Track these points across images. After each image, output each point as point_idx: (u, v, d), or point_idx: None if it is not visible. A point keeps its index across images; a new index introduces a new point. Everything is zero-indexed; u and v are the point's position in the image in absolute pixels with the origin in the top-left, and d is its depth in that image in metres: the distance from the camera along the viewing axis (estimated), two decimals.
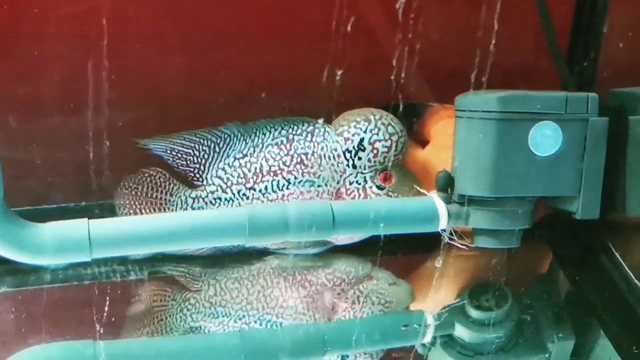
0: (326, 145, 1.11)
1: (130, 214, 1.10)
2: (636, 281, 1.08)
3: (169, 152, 1.10)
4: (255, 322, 1.02)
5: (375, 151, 1.11)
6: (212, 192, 1.11)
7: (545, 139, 1.02)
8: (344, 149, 1.11)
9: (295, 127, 1.12)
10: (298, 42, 1.21)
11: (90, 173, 1.10)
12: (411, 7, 1.02)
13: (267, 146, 1.12)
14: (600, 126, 1.03)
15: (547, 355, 0.98)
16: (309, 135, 1.12)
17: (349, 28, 1.05)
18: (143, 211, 1.10)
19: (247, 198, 1.11)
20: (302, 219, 0.98)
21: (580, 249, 1.18)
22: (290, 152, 1.11)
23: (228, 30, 1.20)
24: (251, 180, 1.11)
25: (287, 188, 1.11)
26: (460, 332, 1.01)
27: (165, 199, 1.10)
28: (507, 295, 1.07)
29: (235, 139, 1.12)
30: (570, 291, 1.15)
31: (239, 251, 1.11)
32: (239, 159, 1.11)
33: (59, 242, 0.93)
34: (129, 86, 1.14)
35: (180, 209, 1.11)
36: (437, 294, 1.11)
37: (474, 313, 1.03)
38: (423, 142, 1.20)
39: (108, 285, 1.07)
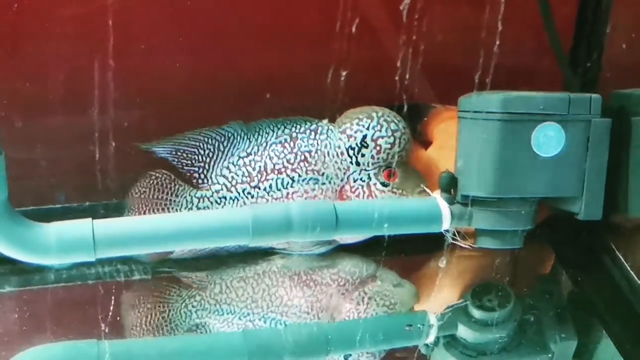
0: (329, 143, 1.12)
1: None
2: (638, 282, 1.08)
3: (173, 153, 1.11)
4: (260, 320, 1.02)
5: (378, 148, 1.11)
6: (217, 192, 1.12)
7: (547, 139, 1.02)
8: (347, 146, 1.11)
9: (299, 126, 1.13)
10: (301, 42, 1.21)
11: (94, 173, 1.10)
12: (414, 8, 1.02)
13: (271, 144, 1.12)
14: (602, 127, 1.03)
15: (549, 355, 0.98)
16: (313, 133, 1.12)
17: (351, 28, 1.05)
18: (149, 213, 1.10)
19: (252, 197, 1.11)
20: (305, 219, 0.99)
21: (583, 249, 1.18)
22: (294, 150, 1.12)
23: (231, 30, 1.20)
24: (256, 178, 1.11)
25: (292, 186, 1.11)
26: (463, 332, 1.01)
27: (171, 199, 1.11)
28: (510, 295, 1.07)
29: (238, 137, 1.12)
30: (572, 291, 1.15)
31: (244, 251, 1.11)
32: (243, 158, 1.12)
33: (63, 242, 0.93)
34: (131, 86, 1.14)
35: (186, 209, 1.11)
36: (440, 294, 1.11)
37: (477, 313, 1.03)
38: (426, 143, 1.20)
39: (112, 284, 1.07)
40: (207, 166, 1.12)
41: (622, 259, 1.12)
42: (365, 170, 1.12)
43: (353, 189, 1.12)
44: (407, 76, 1.04)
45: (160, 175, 1.11)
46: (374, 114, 1.11)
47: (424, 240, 1.07)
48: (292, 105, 1.15)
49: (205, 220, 0.99)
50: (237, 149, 1.12)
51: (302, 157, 1.11)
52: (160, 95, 1.19)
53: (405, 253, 1.14)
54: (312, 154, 1.11)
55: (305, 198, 1.11)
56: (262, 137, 1.12)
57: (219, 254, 1.12)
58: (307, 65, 1.17)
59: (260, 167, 1.11)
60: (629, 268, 1.10)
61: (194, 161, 1.11)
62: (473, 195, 1.04)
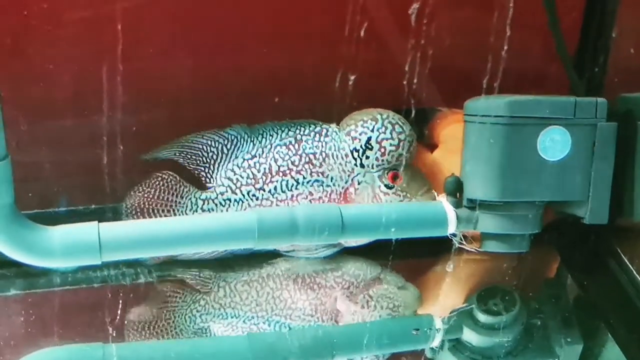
0: (334, 145, 1.12)
1: (140, 218, 1.10)
2: None
3: (177, 155, 1.11)
4: (264, 323, 1.02)
5: (382, 150, 1.11)
6: (222, 194, 1.12)
7: (553, 143, 1.02)
8: (351, 148, 1.11)
9: (303, 128, 1.13)
10: (307, 44, 1.21)
11: (100, 176, 1.10)
12: (423, 12, 1.02)
13: (275, 146, 1.12)
14: (608, 131, 1.03)
15: (555, 359, 0.98)
16: (317, 135, 1.12)
17: (354, 31, 1.05)
18: (153, 214, 1.10)
19: (257, 199, 1.11)
20: (311, 223, 0.99)
21: (589, 253, 1.18)
22: (299, 152, 1.12)
23: (236, 32, 1.20)
24: (260, 180, 1.11)
25: (296, 188, 1.11)
26: (469, 336, 1.01)
27: (176, 200, 1.11)
28: (515, 299, 1.07)
29: (242, 140, 1.12)
30: (578, 296, 1.15)
31: (249, 254, 1.11)
32: (247, 160, 1.12)
33: (69, 245, 0.93)
34: (138, 89, 1.14)
35: (190, 210, 1.11)
36: (446, 298, 1.11)
37: (482, 317, 1.03)
38: (432, 147, 1.20)
39: (117, 288, 1.07)
40: (211, 168, 1.12)
41: (628, 263, 1.11)
42: (370, 172, 1.12)
43: (357, 191, 1.12)
44: (413, 80, 1.04)
45: (166, 177, 1.11)
46: (379, 116, 1.11)
47: (428, 244, 1.07)
48: (298, 107, 1.15)
49: (211, 224, 0.99)
50: (242, 151, 1.12)
51: (307, 159, 1.11)
52: (167, 98, 1.19)
53: (410, 256, 1.14)
54: (317, 156, 1.11)
55: (310, 200, 1.11)
56: (266, 140, 1.12)
57: (223, 257, 1.11)
58: (314, 68, 1.17)
59: (265, 169, 1.11)
60: (634, 272, 1.10)
61: (198, 162, 1.11)
62: (479, 199, 1.04)
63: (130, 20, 1.05)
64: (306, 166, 1.11)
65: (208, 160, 1.12)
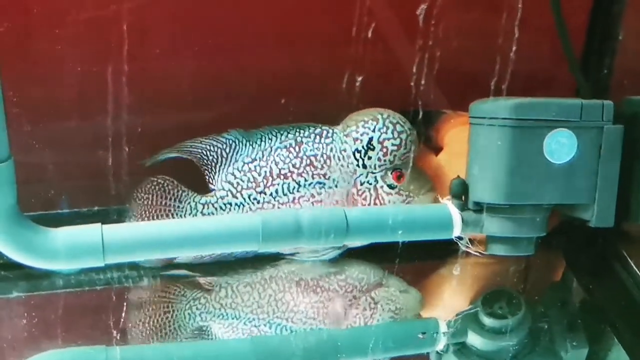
0: (335, 147, 1.11)
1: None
2: None
3: (178, 157, 1.11)
4: (265, 326, 1.02)
5: (384, 150, 1.11)
6: (222, 198, 1.11)
7: (560, 146, 1.01)
8: (353, 150, 1.11)
9: (304, 130, 1.12)
10: (311, 46, 1.21)
11: (102, 177, 1.10)
12: (430, 14, 1.02)
13: (276, 149, 1.12)
14: (615, 134, 1.03)
15: None
16: (318, 137, 1.12)
17: (360, 33, 1.05)
18: (153, 219, 1.10)
19: (258, 202, 1.11)
20: (315, 226, 0.98)
21: (595, 257, 1.18)
22: (300, 155, 1.11)
23: (241, 34, 1.19)
24: (261, 184, 1.11)
25: (298, 191, 1.11)
26: (473, 339, 1.00)
27: (175, 205, 1.10)
28: (521, 303, 1.06)
29: (240, 144, 1.12)
30: (584, 299, 1.14)
31: (252, 256, 1.11)
32: (248, 164, 1.11)
33: (72, 247, 0.93)
34: (141, 90, 1.14)
35: (190, 215, 1.11)
36: (450, 301, 1.11)
37: (487, 321, 1.03)
38: (436, 149, 1.20)
39: (120, 290, 1.07)
40: (211, 172, 1.11)
41: (634, 266, 1.11)
42: (372, 172, 1.11)
43: (360, 192, 1.12)
44: (420, 82, 1.04)
45: (162, 181, 1.11)
46: (379, 116, 1.11)
47: (432, 247, 1.07)
48: (303, 109, 1.15)
49: (215, 226, 0.98)
50: (241, 155, 1.12)
51: (308, 162, 1.11)
52: (171, 100, 1.19)
53: (414, 259, 1.13)
54: (318, 158, 1.11)
55: (312, 202, 1.11)
56: (266, 143, 1.12)
57: (225, 260, 1.11)
58: (320, 70, 1.17)
59: (265, 172, 1.11)
60: None
61: (199, 166, 1.11)
62: (484, 201, 1.03)
63: (134, 21, 1.05)
64: (307, 168, 1.11)
65: (208, 165, 1.11)
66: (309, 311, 1.05)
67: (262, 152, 1.12)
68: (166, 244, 0.95)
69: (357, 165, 1.11)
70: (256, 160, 1.12)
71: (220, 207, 1.11)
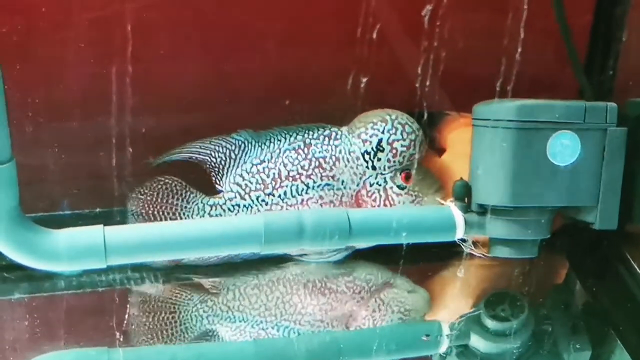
0: (344, 148, 1.11)
1: (144, 221, 1.10)
2: None
3: (186, 160, 1.11)
4: (273, 328, 1.02)
5: (394, 151, 1.10)
6: (230, 199, 1.11)
7: (563, 148, 1.01)
8: (362, 151, 1.11)
9: (312, 132, 1.12)
10: (317, 48, 1.21)
11: (106, 179, 1.10)
12: (436, 15, 1.02)
13: (284, 151, 1.11)
14: (618, 136, 1.03)
15: None
16: (327, 138, 1.12)
17: (365, 35, 1.05)
18: (158, 217, 1.09)
19: (266, 204, 1.11)
20: (318, 228, 0.98)
21: (598, 259, 1.18)
22: (308, 157, 1.11)
23: (246, 35, 1.19)
24: (270, 186, 1.11)
25: (307, 192, 1.11)
26: (476, 342, 1.00)
27: (182, 205, 1.10)
28: (524, 305, 1.06)
29: (250, 145, 1.12)
30: (587, 302, 1.14)
31: (258, 258, 1.11)
32: (256, 165, 1.11)
33: (74, 248, 0.92)
34: (147, 92, 1.14)
35: (197, 216, 1.10)
36: (453, 303, 1.11)
37: (490, 323, 1.03)
38: (440, 151, 1.19)
39: (123, 292, 1.07)
40: (220, 173, 1.11)
41: (637, 269, 1.11)
42: (382, 174, 1.11)
43: (369, 194, 1.12)
44: (424, 83, 1.04)
45: (170, 181, 1.10)
46: (388, 117, 1.10)
47: (436, 249, 1.07)
48: (310, 110, 1.15)
49: (217, 227, 0.98)
50: (250, 156, 1.11)
51: (317, 164, 1.11)
52: (177, 101, 1.19)
53: (418, 261, 1.13)
54: (327, 159, 1.11)
55: (321, 204, 1.11)
56: (275, 144, 1.12)
57: (232, 261, 1.11)
58: (325, 71, 1.17)
59: (274, 174, 1.11)
60: None
61: (207, 168, 1.11)
62: (487, 204, 1.03)
63: (141, 23, 1.05)
64: (316, 170, 1.11)
65: (216, 166, 1.11)
66: (317, 313, 1.05)
67: (271, 154, 1.12)
68: (168, 245, 0.95)
69: (367, 167, 1.11)
70: (265, 162, 1.11)
71: (229, 209, 1.11)
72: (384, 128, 1.10)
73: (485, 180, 1.03)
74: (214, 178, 1.11)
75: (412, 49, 1.16)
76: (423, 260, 1.14)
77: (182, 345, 0.99)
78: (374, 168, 1.11)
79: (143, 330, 1.00)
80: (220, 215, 1.11)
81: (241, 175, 1.11)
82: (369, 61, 1.06)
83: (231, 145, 1.11)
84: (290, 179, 1.11)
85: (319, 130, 1.12)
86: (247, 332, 1.01)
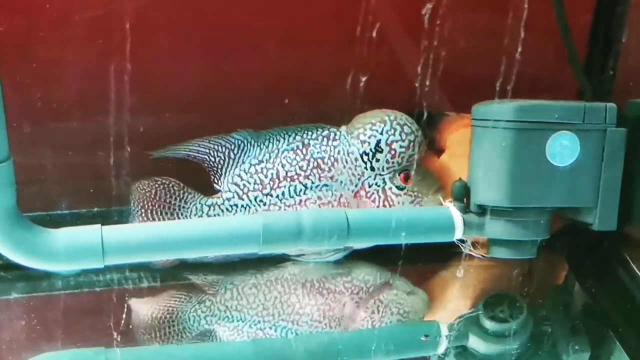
0: (343, 149, 1.11)
1: (143, 218, 1.09)
2: None
3: (184, 157, 1.10)
4: (271, 328, 1.02)
5: (393, 152, 1.10)
6: (228, 199, 1.11)
7: (562, 149, 1.01)
8: (361, 152, 1.11)
9: (311, 132, 1.12)
10: (316, 48, 1.21)
11: (105, 179, 1.10)
12: (436, 15, 1.02)
13: (283, 152, 1.11)
14: (618, 137, 1.02)
15: None
16: (325, 139, 1.12)
17: (364, 34, 1.05)
18: (156, 217, 1.09)
19: (264, 204, 1.11)
20: (317, 228, 0.98)
21: (597, 260, 1.18)
22: (307, 157, 1.11)
23: (246, 35, 1.19)
24: (268, 186, 1.11)
25: (305, 193, 1.11)
26: (475, 343, 1.00)
27: (180, 205, 1.10)
28: (522, 306, 1.06)
29: (249, 145, 1.12)
30: (586, 303, 1.14)
31: (257, 257, 1.10)
32: (254, 165, 1.11)
33: (72, 248, 0.92)
34: (147, 92, 1.14)
35: (196, 216, 1.10)
36: (452, 304, 1.11)
37: (489, 324, 1.02)
38: (439, 151, 1.19)
39: (120, 291, 1.07)
40: (218, 173, 1.11)
41: (636, 270, 1.11)
42: (380, 175, 1.11)
43: (368, 194, 1.11)
44: (424, 83, 1.04)
45: (168, 182, 1.10)
46: (387, 118, 1.10)
47: (436, 249, 1.07)
48: (309, 110, 1.15)
49: (215, 227, 0.98)
50: (248, 156, 1.11)
51: (315, 164, 1.11)
52: (177, 100, 1.19)
53: (417, 262, 1.13)
54: (325, 160, 1.11)
55: (319, 205, 1.11)
56: (273, 145, 1.12)
57: (230, 260, 1.11)
58: (325, 71, 1.17)
59: (272, 174, 1.11)
60: None
61: (205, 167, 1.11)
62: (486, 204, 1.03)
63: (141, 22, 1.05)
64: (314, 171, 1.11)
65: (215, 165, 1.11)
66: (315, 313, 1.05)
67: (269, 154, 1.11)
68: (166, 245, 0.95)
69: (365, 168, 1.11)
70: (263, 162, 1.11)
71: (227, 209, 1.11)
72: (383, 129, 1.10)
73: (484, 180, 1.03)
74: (212, 177, 1.11)
75: (412, 49, 1.16)
76: (422, 261, 1.14)
77: (179, 345, 0.99)
78: (372, 169, 1.11)
79: (140, 331, 1.00)
80: (219, 215, 1.11)
81: (239, 176, 1.11)
82: (369, 61, 1.06)
83: (230, 145, 1.11)
84: (289, 179, 1.11)
85: (317, 130, 1.12)
86: (245, 332, 1.01)
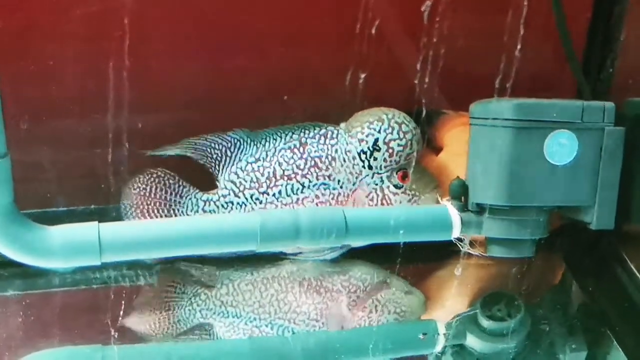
0: (340, 148, 1.11)
1: (138, 215, 1.09)
2: None
3: (182, 154, 1.10)
4: (266, 326, 1.02)
5: (390, 150, 1.10)
6: (224, 196, 1.11)
7: (560, 147, 1.01)
8: (358, 151, 1.11)
9: (308, 131, 1.12)
10: (316, 45, 1.21)
11: (103, 176, 1.09)
12: (435, 13, 1.02)
13: (280, 150, 1.11)
14: (616, 136, 1.03)
15: None
16: (322, 138, 1.12)
17: (363, 33, 1.05)
18: (152, 212, 1.09)
19: (260, 202, 1.11)
20: (314, 226, 0.98)
21: (595, 259, 1.18)
22: (304, 156, 1.11)
23: (245, 33, 1.19)
24: (264, 184, 1.11)
25: (302, 192, 1.11)
26: (472, 342, 1.00)
27: (175, 200, 1.10)
28: (520, 305, 1.06)
29: (245, 143, 1.11)
30: (584, 302, 1.14)
31: (255, 255, 1.10)
32: (251, 163, 1.11)
33: (69, 245, 0.92)
34: (146, 89, 1.14)
35: (191, 211, 1.10)
36: (449, 303, 1.11)
37: (486, 323, 1.02)
38: (437, 150, 1.19)
39: (117, 288, 1.06)
40: (215, 171, 1.11)
41: (634, 269, 1.11)
42: (378, 173, 1.11)
43: (366, 193, 1.11)
44: (423, 82, 1.04)
45: (163, 175, 1.11)
46: (384, 117, 1.10)
47: (433, 248, 1.07)
48: (309, 108, 1.15)
49: (213, 225, 0.98)
50: (245, 154, 1.11)
51: (313, 163, 1.11)
52: (177, 98, 1.18)
53: (414, 261, 1.13)
54: (323, 159, 1.11)
55: (316, 204, 1.11)
56: (270, 143, 1.12)
57: (227, 255, 1.11)
58: (324, 70, 1.17)
59: (269, 173, 1.11)
60: None
61: (203, 165, 1.11)
62: (484, 203, 1.03)
63: (142, 19, 1.04)
64: (312, 170, 1.11)
65: (212, 163, 1.11)
66: (311, 312, 1.04)
67: (266, 153, 1.11)
68: (163, 242, 0.95)
69: (363, 167, 1.11)
70: (260, 160, 1.11)
71: (222, 206, 1.11)
72: (381, 127, 1.10)
73: (482, 179, 1.03)
74: (211, 173, 1.11)
75: (410, 47, 1.16)
76: (419, 260, 1.13)
77: (176, 343, 0.99)
78: (370, 167, 1.11)
79: (137, 325, 1.00)
80: (214, 211, 1.11)
81: (236, 173, 1.11)
82: (368, 59, 1.06)
83: (227, 143, 1.11)
84: (286, 178, 1.11)
85: (315, 129, 1.12)
86: (241, 329, 1.01)
